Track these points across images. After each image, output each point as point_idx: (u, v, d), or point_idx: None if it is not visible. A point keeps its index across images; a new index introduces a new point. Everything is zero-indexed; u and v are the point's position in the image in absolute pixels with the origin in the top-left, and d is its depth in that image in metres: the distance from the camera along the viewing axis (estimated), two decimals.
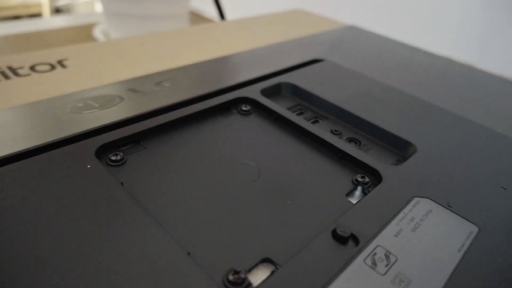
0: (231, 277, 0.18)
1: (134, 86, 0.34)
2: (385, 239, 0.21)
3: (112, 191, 0.21)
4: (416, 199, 0.24)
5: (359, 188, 0.26)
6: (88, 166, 0.23)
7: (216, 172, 0.25)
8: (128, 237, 0.19)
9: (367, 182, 0.26)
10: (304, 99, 0.37)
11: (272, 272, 0.19)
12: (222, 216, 0.22)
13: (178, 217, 0.21)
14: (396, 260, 0.20)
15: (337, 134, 0.32)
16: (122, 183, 0.23)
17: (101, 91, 0.33)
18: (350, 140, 0.32)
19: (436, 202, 0.24)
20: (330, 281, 0.18)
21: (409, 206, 0.23)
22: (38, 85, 0.34)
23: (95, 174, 0.23)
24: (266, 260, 0.20)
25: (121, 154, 0.25)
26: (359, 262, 0.19)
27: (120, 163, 0.25)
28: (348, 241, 0.20)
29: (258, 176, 0.26)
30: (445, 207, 0.24)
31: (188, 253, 0.19)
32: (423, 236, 0.21)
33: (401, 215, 0.23)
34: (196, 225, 0.21)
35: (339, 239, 0.20)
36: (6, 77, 0.34)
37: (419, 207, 0.24)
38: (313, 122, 0.34)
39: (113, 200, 0.21)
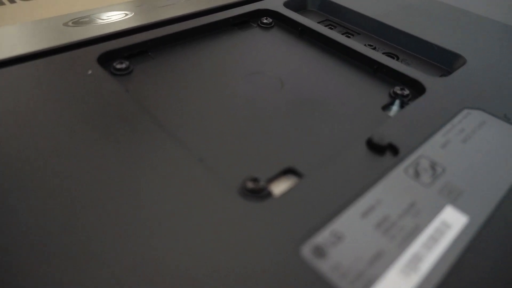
0: (249, 185, 0.16)
1: (144, 2, 0.31)
2: (430, 149, 0.18)
3: (116, 97, 0.19)
4: (466, 111, 0.21)
5: (397, 101, 0.22)
6: (89, 72, 0.21)
7: (233, 83, 0.23)
8: (133, 142, 0.17)
9: (407, 95, 0.22)
10: (334, 14, 0.32)
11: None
12: (240, 125, 0.19)
13: (189, 126, 0.19)
14: (443, 171, 0.17)
15: (372, 48, 0.28)
16: (127, 90, 0.20)
17: (108, 8, 0.30)
18: (387, 54, 0.28)
19: (490, 114, 0.20)
20: (362, 191, 0.15)
21: (459, 117, 0.20)
22: (41, 8, 0.31)
23: (97, 80, 0.20)
24: (289, 171, 0.17)
25: (127, 62, 0.23)
26: (399, 172, 0.16)
27: (125, 72, 0.22)
28: (385, 151, 0.17)
29: (281, 87, 0.23)
30: (501, 119, 0.20)
31: (201, 160, 0.17)
32: (476, 147, 0.18)
33: (448, 126, 0.19)
34: (210, 134, 0.19)
35: (375, 148, 0.17)
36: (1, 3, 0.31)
37: (470, 118, 0.20)
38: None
39: (116, 106, 0.19)
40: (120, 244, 0.13)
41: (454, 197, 0.15)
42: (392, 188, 0.15)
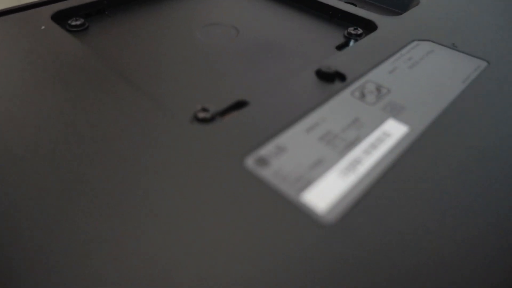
0: (200, 114, 0.16)
1: None
2: (377, 75, 0.18)
3: (70, 49, 0.19)
4: (415, 42, 0.21)
5: (351, 41, 0.23)
6: (42, 27, 0.21)
7: (189, 35, 0.23)
8: (87, 87, 0.17)
9: (361, 34, 0.23)
10: None
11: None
12: (194, 66, 0.20)
13: (145, 71, 0.19)
14: (388, 91, 0.17)
15: None
16: (81, 42, 0.20)
17: None
18: (346, 2, 0.28)
19: (439, 44, 0.21)
20: (309, 111, 0.16)
21: (407, 48, 0.21)
22: None
23: (51, 35, 0.20)
24: (241, 104, 0.18)
25: (82, 20, 0.23)
26: (345, 95, 0.17)
27: (81, 28, 0.22)
28: (333, 78, 0.18)
29: (236, 34, 0.23)
30: (449, 47, 0.21)
31: (153, 96, 0.17)
32: (422, 72, 0.19)
33: (397, 56, 0.20)
34: (163, 75, 0.19)
35: (323, 76, 0.18)
36: None
37: (419, 48, 0.21)
38: None
39: (71, 56, 0.19)
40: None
41: (396, 112, 0.16)
42: (338, 108, 0.16)
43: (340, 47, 0.23)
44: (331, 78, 0.18)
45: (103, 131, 0.14)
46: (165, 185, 0.12)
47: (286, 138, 0.14)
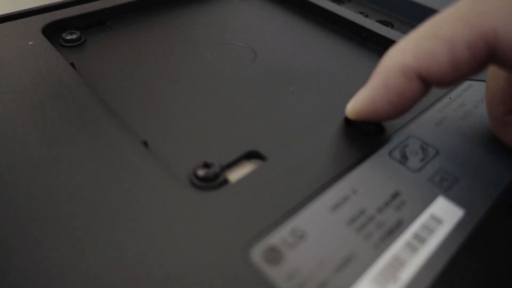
0: (200, 172, 0.13)
1: None
2: (421, 128, 0.15)
3: (57, 71, 0.16)
4: (468, 82, 0.17)
5: None
6: (30, 43, 0.18)
7: (197, 56, 0.20)
8: (67, 122, 0.14)
9: None
10: None
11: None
12: (199, 103, 0.17)
13: (139, 105, 0.16)
14: (436, 153, 0.14)
15: (364, 16, 0.25)
16: (72, 64, 0.17)
17: None
18: (381, 22, 0.25)
19: None
20: (335, 179, 0.12)
21: (458, 90, 0.17)
22: None
23: (39, 53, 0.17)
24: (253, 155, 0.15)
25: (78, 33, 0.20)
26: (383, 156, 0.13)
27: (76, 43, 0.19)
28: (368, 130, 0.15)
29: (253, 58, 0.20)
30: None
31: (145, 142, 0.14)
32: (478, 123, 0.15)
33: (445, 100, 0.16)
34: (162, 114, 0.16)
35: (356, 126, 0.15)
36: None
37: (473, 91, 0.17)
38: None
39: (56, 80, 0.16)
40: (54, 242, 0.10)
41: (447, 186, 0.13)
42: (373, 175, 0.13)
43: None
44: (366, 130, 0.14)
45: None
46: (151, 264, 0.09)
47: (306, 218, 0.11)
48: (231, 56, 0.20)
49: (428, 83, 0.12)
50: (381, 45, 0.21)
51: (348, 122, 0.15)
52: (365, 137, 0.14)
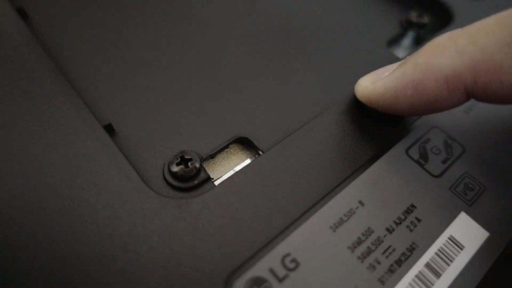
0: (174, 168, 0.11)
1: None
2: (446, 116, 0.12)
3: (5, 23, 0.13)
4: None
5: (410, 33, 0.16)
6: None
7: (178, 2, 0.16)
8: (12, 92, 0.11)
9: (425, 24, 0.16)
10: None
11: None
12: (176, 74, 0.14)
13: (102, 78, 0.13)
14: (462, 150, 0.11)
15: None
16: (21, 10, 0.14)
17: None
18: None
19: None
20: (338, 186, 0.10)
21: None
22: None
23: None
24: (240, 141, 0.12)
25: None
26: (399, 153, 0.11)
27: None
28: (382, 116, 0.12)
29: (251, 7, 0.16)
30: None
31: (108, 126, 0.11)
32: (510, 120, 0.13)
33: None
34: (129, 88, 0.13)
35: (368, 111, 0.12)
36: None
37: None
38: None
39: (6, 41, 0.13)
40: None
41: (473, 198, 0.11)
42: (385, 181, 0.10)
43: (394, 42, 0.16)
44: (379, 117, 0.12)
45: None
46: None
47: (299, 241, 0.09)
48: (223, 3, 0.16)
49: (477, 99, 0.09)
50: None
51: (359, 105, 0.12)
52: (378, 126, 0.12)
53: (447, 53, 0.09)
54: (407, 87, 0.10)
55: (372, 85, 0.11)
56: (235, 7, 0.16)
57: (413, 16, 0.16)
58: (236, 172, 0.10)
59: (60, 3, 0.15)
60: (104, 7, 0.15)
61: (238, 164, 0.12)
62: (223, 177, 0.12)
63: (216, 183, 0.11)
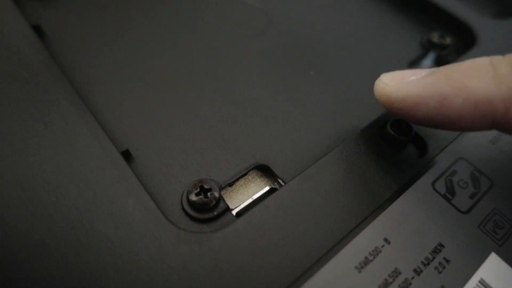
0: (193, 198, 0.10)
1: None
2: (472, 146, 0.12)
3: (15, 39, 0.13)
4: None
5: (431, 54, 0.16)
6: None
7: (194, 16, 0.16)
8: (27, 112, 0.11)
9: (447, 45, 0.16)
10: None
11: (271, 190, 0.12)
12: (198, 102, 0.13)
13: (120, 101, 0.13)
14: (491, 185, 0.11)
15: None
16: (38, 27, 0.14)
17: None
18: None
19: None
20: (365, 218, 0.10)
21: None
22: None
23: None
24: (260, 168, 0.12)
25: None
26: (425, 187, 0.11)
27: None
28: (406, 145, 0.12)
29: (267, 25, 0.16)
30: None
31: (126, 152, 0.11)
32: None
33: None
34: (147, 114, 0.13)
35: (390, 140, 0.12)
36: None
37: None
38: None
39: (12, 52, 0.12)
40: None
41: (502, 237, 0.10)
42: (411, 217, 0.10)
43: (415, 63, 0.16)
44: (403, 145, 0.11)
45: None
46: None
47: (325, 281, 0.09)
48: (236, 21, 0.16)
49: (501, 130, 0.09)
50: (425, 13, 0.17)
51: (382, 133, 0.12)
52: (401, 155, 0.11)
53: (484, 77, 0.09)
54: (432, 98, 0.09)
55: (395, 85, 0.10)
56: (253, 27, 0.16)
57: (435, 37, 0.16)
58: (258, 206, 0.10)
59: (77, 21, 0.15)
60: (123, 26, 0.15)
61: (256, 192, 0.12)
62: (241, 205, 0.11)
63: (234, 212, 0.11)
